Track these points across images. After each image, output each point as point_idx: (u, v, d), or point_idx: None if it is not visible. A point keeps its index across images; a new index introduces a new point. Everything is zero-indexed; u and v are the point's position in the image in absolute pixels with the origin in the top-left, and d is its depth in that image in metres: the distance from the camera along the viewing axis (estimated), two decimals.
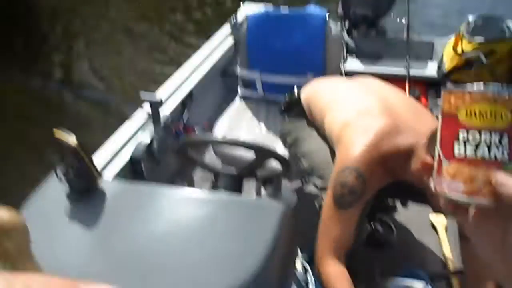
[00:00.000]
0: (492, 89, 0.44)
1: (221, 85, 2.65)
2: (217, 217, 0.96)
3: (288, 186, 2.21)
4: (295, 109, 1.64)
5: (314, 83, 1.61)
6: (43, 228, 0.96)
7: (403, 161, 1.17)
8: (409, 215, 2.04)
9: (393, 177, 1.24)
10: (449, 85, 2.31)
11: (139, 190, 1.06)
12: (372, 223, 1.92)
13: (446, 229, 1.96)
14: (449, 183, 0.44)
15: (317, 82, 1.62)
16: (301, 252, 1.58)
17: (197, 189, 1.07)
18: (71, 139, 0.93)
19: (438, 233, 1.94)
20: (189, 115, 2.19)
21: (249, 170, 1.24)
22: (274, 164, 1.51)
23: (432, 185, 0.47)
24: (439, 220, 1.98)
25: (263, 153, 1.17)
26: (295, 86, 1.66)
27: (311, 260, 1.63)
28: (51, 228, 0.96)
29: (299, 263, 1.55)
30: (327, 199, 1.23)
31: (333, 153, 1.36)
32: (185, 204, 0.99)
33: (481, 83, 0.47)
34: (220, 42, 2.67)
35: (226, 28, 2.74)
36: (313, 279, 1.53)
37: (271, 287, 0.91)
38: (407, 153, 1.16)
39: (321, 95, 1.50)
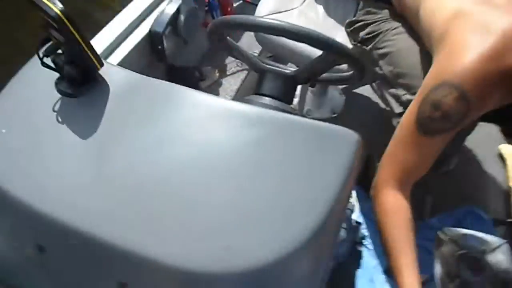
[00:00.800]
0: None
1: None
2: (269, 143, 0.67)
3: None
4: None
5: None
6: (24, 130, 0.70)
7: None
8: (477, 142, 1.73)
9: None
10: None
11: (158, 87, 0.75)
12: None
13: None
14: None
15: None
16: None
17: (241, 102, 0.76)
18: (56, 7, 0.61)
19: (507, 166, 1.64)
20: None
21: (310, 73, 0.91)
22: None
23: None
24: (510, 152, 1.67)
25: (334, 50, 0.83)
26: None
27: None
28: (34, 131, 0.70)
29: None
30: (407, 116, 0.93)
31: (428, 58, 1.00)
32: (223, 119, 0.70)
33: None
34: None
35: None
36: (356, 203, 1.31)
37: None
38: None
39: None
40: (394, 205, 0.94)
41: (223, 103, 0.73)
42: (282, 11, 1.49)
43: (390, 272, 1.00)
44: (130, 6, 1.42)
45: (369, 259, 1.35)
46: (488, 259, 1.03)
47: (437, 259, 1.01)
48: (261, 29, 0.90)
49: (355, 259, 1.34)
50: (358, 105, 1.82)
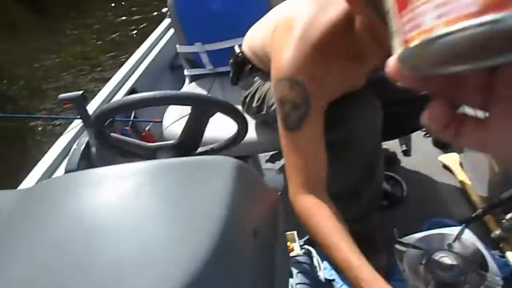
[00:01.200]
0: None
1: (172, 78, 2.34)
2: (141, 190, 0.64)
3: (271, 165, 1.90)
4: (245, 68, 1.32)
5: (251, 29, 1.31)
6: None
7: (352, 41, 0.88)
8: (416, 163, 1.75)
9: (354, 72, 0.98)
10: None
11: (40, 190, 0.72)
12: None
13: (462, 166, 1.66)
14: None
15: (253, 27, 1.31)
16: (298, 237, 1.28)
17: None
18: None
19: (454, 173, 1.64)
20: (136, 114, 1.87)
21: (191, 136, 0.92)
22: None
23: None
24: (451, 159, 1.68)
25: (202, 104, 0.85)
26: (236, 46, 1.35)
27: (311, 243, 1.33)
28: None
29: (297, 246, 1.24)
30: (279, 127, 0.96)
31: None
32: (98, 187, 0.67)
33: None
34: (161, 32, 2.37)
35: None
36: (319, 260, 1.22)
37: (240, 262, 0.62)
38: (347, 24, 0.86)
39: (259, 32, 1.20)
40: (313, 205, 0.94)
41: (95, 175, 0.71)
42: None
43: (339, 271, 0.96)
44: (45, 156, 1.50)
45: None
46: (454, 249, 0.97)
47: (403, 271, 0.94)
48: (132, 106, 0.91)
49: None
50: None
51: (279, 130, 0.96)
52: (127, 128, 1.78)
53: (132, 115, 1.85)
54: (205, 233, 0.58)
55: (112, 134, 0.96)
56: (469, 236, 0.98)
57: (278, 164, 1.91)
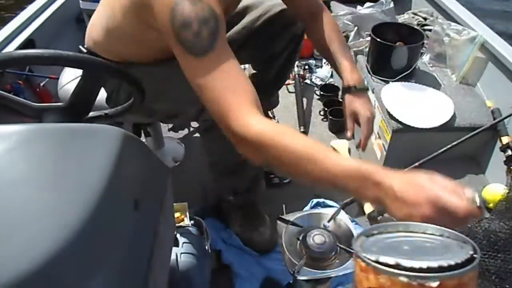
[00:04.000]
0: None
1: (77, 34, 2.18)
2: (14, 154, 0.61)
3: (172, 134, 1.89)
4: None
5: (89, 27, 1.20)
6: None
7: None
8: None
9: None
10: None
11: None
12: None
13: (350, 151, 1.79)
14: None
15: (90, 24, 1.21)
16: (189, 208, 1.30)
17: None
18: None
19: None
20: (32, 68, 1.73)
21: (82, 99, 0.88)
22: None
23: None
24: (341, 144, 1.81)
25: (94, 70, 0.81)
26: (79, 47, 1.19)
27: (202, 215, 1.37)
28: None
29: (187, 217, 1.27)
30: (183, 62, 0.84)
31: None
32: None
33: None
34: None
35: None
36: (208, 230, 1.26)
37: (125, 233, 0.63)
38: None
39: (99, 22, 1.13)
40: (271, 124, 0.82)
41: None
42: None
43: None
44: None
45: (241, 284, 1.29)
46: (328, 228, 1.06)
47: (281, 245, 1.00)
48: (15, 62, 0.85)
49: (229, 287, 1.28)
50: (199, 149, 1.83)
51: (187, 70, 0.84)
52: (20, 82, 1.64)
53: (27, 69, 1.71)
54: (78, 201, 0.57)
55: None
56: (343, 217, 1.07)
57: (181, 133, 1.90)
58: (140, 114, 1.22)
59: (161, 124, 1.81)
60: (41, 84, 1.74)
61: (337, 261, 1.00)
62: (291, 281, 1.25)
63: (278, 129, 0.80)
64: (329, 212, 1.10)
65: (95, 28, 1.15)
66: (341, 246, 1.01)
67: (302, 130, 1.90)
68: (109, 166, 0.62)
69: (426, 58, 1.74)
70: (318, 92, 2.17)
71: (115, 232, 0.62)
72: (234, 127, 0.80)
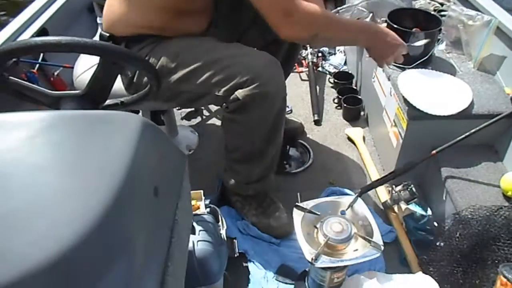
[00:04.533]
0: None
1: (89, 23, 2.18)
2: (35, 141, 0.61)
3: (187, 123, 1.89)
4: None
5: (105, 12, 1.25)
6: None
7: None
8: (325, 133, 1.84)
9: None
10: None
11: None
12: (287, 147, 1.69)
13: (364, 139, 1.78)
14: None
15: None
16: (204, 196, 1.30)
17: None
18: None
19: (356, 146, 1.75)
20: (46, 57, 1.73)
21: (99, 87, 0.88)
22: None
23: None
24: (356, 133, 1.80)
25: (111, 56, 0.81)
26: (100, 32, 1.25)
27: (217, 203, 1.37)
28: None
29: (203, 205, 1.27)
30: None
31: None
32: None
33: None
34: None
35: None
36: (223, 218, 1.26)
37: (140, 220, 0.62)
38: None
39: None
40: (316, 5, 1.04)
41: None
42: None
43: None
44: None
45: (256, 271, 1.29)
46: (345, 216, 1.05)
47: (298, 234, 1.00)
48: (32, 50, 0.85)
49: (244, 275, 1.28)
50: (212, 137, 1.83)
51: None
52: (34, 71, 1.64)
53: (41, 57, 1.71)
54: (100, 187, 0.57)
55: (11, 77, 0.89)
56: (360, 205, 1.07)
57: (194, 121, 1.90)
58: (161, 99, 1.22)
59: (175, 112, 1.81)
60: (55, 73, 1.74)
61: (354, 249, 1.00)
62: (307, 269, 1.25)
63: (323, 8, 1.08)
64: (345, 200, 1.09)
65: (111, 7, 1.18)
66: (359, 234, 1.01)
67: (316, 118, 1.88)
68: (130, 152, 0.62)
69: (442, 44, 1.71)
70: (331, 80, 2.14)
71: (136, 218, 0.61)
72: (291, 6, 1.01)
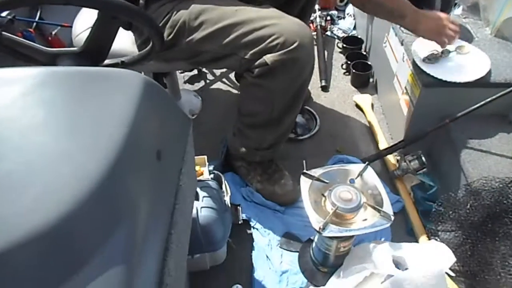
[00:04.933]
0: None
1: None
2: (28, 98, 0.57)
3: (190, 87, 1.84)
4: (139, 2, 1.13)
5: None
6: None
7: None
8: (333, 100, 1.79)
9: None
10: None
11: None
12: None
13: (373, 106, 1.72)
14: None
15: None
16: (208, 162, 1.27)
17: None
18: None
19: (365, 113, 1.70)
20: (43, 15, 1.66)
21: (98, 43, 0.82)
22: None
23: None
24: (365, 100, 1.74)
25: (109, 9, 0.75)
26: None
27: (221, 169, 1.34)
28: None
29: (206, 171, 1.23)
30: None
31: None
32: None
33: None
34: None
35: None
36: (227, 185, 1.23)
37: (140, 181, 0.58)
38: None
39: None
40: None
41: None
42: None
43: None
44: None
45: (260, 239, 1.27)
46: (354, 185, 1.02)
47: (305, 202, 0.96)
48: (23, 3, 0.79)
49: (247, 242, 1.27)
50: (216, 102, 1.78)
51: None
52: (31, 30, 1.58)
53: (38, 16, 1.64)
54: (97, 149, 0.53)
55: (4, 33, 0.83)
56: (370, 174, 1.03)
57: (197, 85, 1.85)
58: (179, 58, 1.18)
59: (178, 75, 1.75)
60: (53, 33, 1.67)
61: (363, 218, 0.96)
62: (312, 237, 1.22)
63: None
64: (355, 168, 1.05)
65: None
66: (369, 203, 0.97)
67: (323, 84, 1.82)
68: (130, 112, 0.57)
69: (459, 9, 1.63)
70: (340, 45, 2.07)
71: (138, 181, 0.58)
72: None
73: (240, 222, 1.24)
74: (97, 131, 0.55)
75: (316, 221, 0.93)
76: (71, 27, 1.40)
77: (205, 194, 1.08)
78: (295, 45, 1.02)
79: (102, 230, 0.51)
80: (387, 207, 0.95)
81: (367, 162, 1.04)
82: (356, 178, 1.03)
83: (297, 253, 1.23)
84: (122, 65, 0.99)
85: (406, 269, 0.93)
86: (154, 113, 0.65)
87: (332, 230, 0.92)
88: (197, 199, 1.07)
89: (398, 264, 0.96)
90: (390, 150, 1.36)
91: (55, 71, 0.63)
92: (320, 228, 0.91)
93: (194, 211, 1.04)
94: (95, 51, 0.83)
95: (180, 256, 0.74)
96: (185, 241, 0.79)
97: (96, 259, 0.49)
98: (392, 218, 0.93)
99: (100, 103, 0.58)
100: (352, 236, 1.02)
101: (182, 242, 0.76)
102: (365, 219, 0.95)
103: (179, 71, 1.82)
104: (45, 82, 0.60)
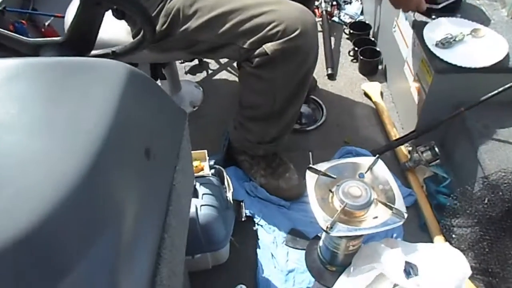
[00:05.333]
0: None
1: None
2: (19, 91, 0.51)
3: (191, 78, 1.77)
4: None
5: None
6: None
7: None
8: (340, 88, 1.71)
9: None
10: None
11: None
12: None
13: (382, 95, 1.65)
14: None
15: None
16: (209, 156, 1.20)
17: None
18: None
19: (374, 102, 1.62)
20: (36, 6, 1.60)
21: (80, 32, 0.76)
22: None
23: None
24: (373, 88, 1.66)
25: None
26: None
27: (223, 164, 1.27)
28: None
29: (207, 166, 1.17)
30: None
31: None
32: None
33: None
34: None
35: None
36: (229, 180, 1.17)
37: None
38: None
39: None
40: None
41: None
42: None
43: None
44: None
45: (264, 236, 1.21)
46: (364, 179, 0.95)
47: (311, 198, 0.90)
48: None
49: (252, 240, 1.21)
50: (219, 93, 1.71)
51: None
52: (23, 21, 1.51)
53: (31, 7, 1.58)
54: (75, 148, 0.47)
55: None
56: (381, 167, 0.96)
57: (199, 76, 1.78)
58: (175, 48, 1.11)
59: (178, 66, 1.69)
60: (46, 24, 1.61)
61: (374, 215, 0.90)
62: (319, 234, 1.16)
63: None
64: (364, 161, 0.98)
65: None
66: (380, 199, 0.91)
67: (329, 72, 1.75)
68: (113, 106, 0.51)
69: None
70: (347, 31, 1.99)
71: (122, 184, 0.51)
72: None
73: (243, 219, 1.18)
74: (75, 128, 0.49)
75: (323, 220, 0.86)
76: (63, 17, 1.34)
77: (205, 191, 1.02)
78: (296, 32, 0.95)
79: (82, 238, 0.45)
80: (400, 204, 0.88)
81: (377, 155, 0.97)
82: (365, 172, 0.96)
83: (304, 251, 1.17)
84: (113, 55, 0.92)
85: (417, 275, 0.87)
86: (142, 107, 0.59)
87: (341, 230, 0.85)
88: (197, 197, 1.01)
89: (409, 269, 0.89)
90: (401, 141, 1.29)
91: (31, 62, 0.57)
92: (327, 228, 0.85)
93: (193, 209, 0.98)
94: (80, 40, 0.77)
95: (175, 261, 0.68)
96: (180, 245, 0.73)
97: (77, 271, 0.43)
98: (405, 215, 0.86)
99: (79, 96, 0.52)
100: (362, 235, 0.96)
101: (177, 246, 0.70)
102: (376, 217, 0.89)
103: (179, 62, 1.75)
104: (19, 75, 0.54)
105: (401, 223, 0.86)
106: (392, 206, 0.88)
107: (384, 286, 0.88)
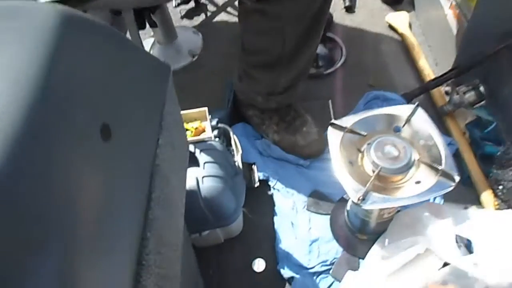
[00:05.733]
0: None
1: None
2: None
3: (188, 23, 1.56)
4: None
5: None
6: None
7: None
8: (360, 23, 1.49)
9: None
10: None
11: None
12: None
13: (411, 26, 1.42)
14: None
15: None
16: (211, 114, 1.02)
17: None
18: None
19: (402, 35, 1.40)
20: None
21: None
22: None
23: None
24: (400, 19, 1.44)
25: None
26: None
27: (229, 121, 1.10)
28: None
29: (209, 126, 1.00)
30: None
31: None
32: None
33: None
34: None
35: None
36: (237, 141, 1.00)
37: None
38: None
39: None
40: None
41: None
42: None
43: None
44: None
45: (282, 202, 1.06)
46: (400, 136, 0.77)
47: (336, 158, 0.73)
48: None
49: (267, 207, 1.05)
50: (220, 38, 1.50)
51: None
52: None
53: None
54: None
55: None
56: (421, 117, 0.77)
57: (196, 20, 1.57)
58: None
59: (171, 11, 1.47)
60: None
61: (416, 180, 0.72)
62: (345, 196, 1.00)
63: None
64: (399, 111, 0.80)
65: None
66: (423, 160, 0.73)
67: (347, 4, 1.52)
68: (40, 68, 0.34)
69: None
70: None
71: (61, 181, 0.35)
72: None
73: (256, 185, 1.02)
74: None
75: (353, 190, 0.69)
76: None
77: (207, 159, 0.86)
78: None
79: (15, 257, 0.30)
80: (449, 164, 0.70)
81: (417, 102, 0.78)
82: (403, 126, 0.77)
83: (329, 216, 1.02)
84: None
85: (472, 252, 0.71)
86: (91, 67, 0.41)
87: (376, 201, 0.68)
88: (198, 166, 0.85)
89: (462, 244, 0.73)
90: (438, 81, 1.09)
91: None
92: (359, 199, 0.68)
93: (194, 182, 0.81)
94: None
95: (167, 263, 0.53)
96: (173, 239, 0.57)
97: None
98: (457, 178, 0.69)
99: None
100: None
101: (168, 242, 0.55)
102: (419, 182, 0.71)
103: (173, 5, 1.54)
104: None
105: (452, 188, 0.69)
106: (439, 167, 0.70)
107: (431, 265, 0.72)
